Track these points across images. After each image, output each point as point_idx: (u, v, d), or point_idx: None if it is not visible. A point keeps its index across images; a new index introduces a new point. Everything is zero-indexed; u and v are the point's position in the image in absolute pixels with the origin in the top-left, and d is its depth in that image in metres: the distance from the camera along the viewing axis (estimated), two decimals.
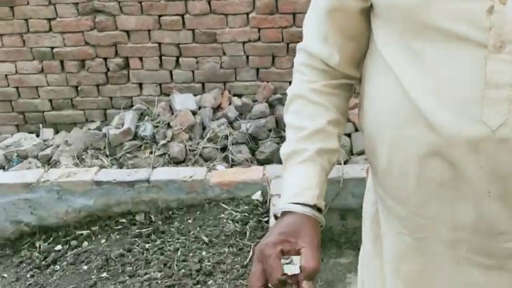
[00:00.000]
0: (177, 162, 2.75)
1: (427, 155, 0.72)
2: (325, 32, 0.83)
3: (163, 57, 3.16)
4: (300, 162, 0.82)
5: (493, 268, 0.78)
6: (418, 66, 0.71)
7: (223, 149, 2.83)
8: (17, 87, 3.26)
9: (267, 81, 3.13)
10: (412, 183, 0.77)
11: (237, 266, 2.00)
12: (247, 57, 3.13)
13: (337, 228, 2.41)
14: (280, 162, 3.00)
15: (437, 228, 0.78)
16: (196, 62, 3.14)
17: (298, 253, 0.75)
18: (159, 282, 1.95)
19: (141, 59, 3.17)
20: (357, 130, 2.97)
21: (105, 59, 3.19)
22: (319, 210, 0.80)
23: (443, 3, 0.67)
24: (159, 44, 3.13)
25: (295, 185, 0.81)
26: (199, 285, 1.91)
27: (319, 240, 0.77)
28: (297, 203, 0.79)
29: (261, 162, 2.75)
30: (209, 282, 1.93)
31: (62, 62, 3.19)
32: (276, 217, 0.81)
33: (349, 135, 2.96)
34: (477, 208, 0.72)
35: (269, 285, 0.74)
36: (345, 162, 2.72)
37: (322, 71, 0.86)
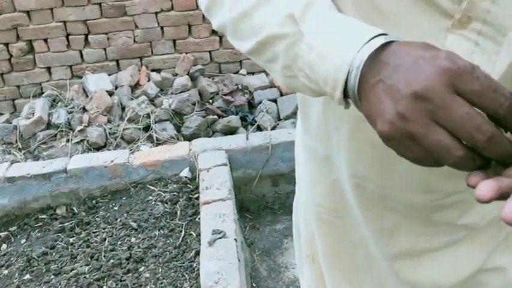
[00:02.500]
0: (98, 148, 2.59)
1: (359, 117, 0.66)
2: None
3: (70, 37, 2.94)
4: (330, 6, 0.55)
5: (416, 217, 0.75)
6: (374, 25, 0.56)
7: (146, 128, 2.69)
8: None
9: (186, 53, 2.99)
10: (344, 138, 0.72)
11: (169, 248, 1.91)
12: (162, 28, 2.97)
13: (270, 195, 2.37)
14: (207, 135, 2.83)
15: (364, 184, 0.75)
16: (108, 39, 2.95)
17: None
18: (87, 276, 1.83)
19: (46, 40, 2.93)
20: (282, 95, 2.91)
21: (7, 44, 2.92)
22: None
23: None
24: (64, 22, 2.91)
25: (352, 23, 0.52)
26: (130, 274, 1.80)
27: None
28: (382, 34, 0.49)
29: (188, 138, 2.64)
30: (140, 269, 1.83)
31: None
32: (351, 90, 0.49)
33: (275, 100, 2.90)
34: (408, 167, 0.68)
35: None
36: (273, 128, 2.67)
37: None
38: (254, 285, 1.99)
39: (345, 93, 0.50)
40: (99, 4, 2.87)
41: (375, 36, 0.48)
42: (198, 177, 2.18)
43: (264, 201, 2.37)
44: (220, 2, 0.63)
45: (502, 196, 0.42)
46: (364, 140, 0.68)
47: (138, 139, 2.63)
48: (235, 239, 1.78)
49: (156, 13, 2.92)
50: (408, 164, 0.49)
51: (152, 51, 3.00)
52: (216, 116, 2.75)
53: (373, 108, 0.46)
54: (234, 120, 2.73)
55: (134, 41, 2.97)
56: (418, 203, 0.72)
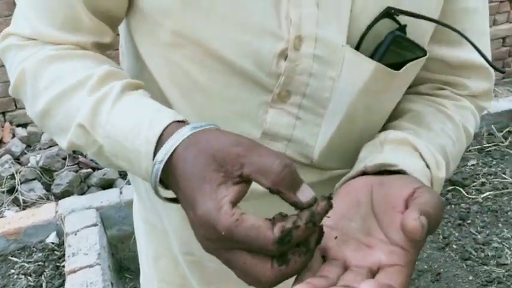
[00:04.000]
0: None
1: None
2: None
3: None
4: (116, 100, 0.52)
5: None
6: (192, 99, 0.59)
7: (11, 190, 2.46)
8: None
9: None
10: (175, 218, 0.70)
11: None
12: None
13: None
14: (81, 191, 2.61)
15: (202, 261, 0.73)
16: None
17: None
18: None
19: None
20: None
21: None
22: None
23: (229, 31, 0.53)
24: None
25: (142, 115, 0.50)
26: None
27: None
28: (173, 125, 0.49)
29: (59, 197, 2.45)
30: None
31: None
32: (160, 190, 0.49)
33: None
34: None
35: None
36: None
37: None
38: None
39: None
40: None
41: (161, 140, 0.47)
42: (66, 241, 2.02)
43: None
44: (23, 92, 0.60)
45: None
46: None
47: (2, 204, 2.39)
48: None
49: None
50: None
51: (16, 105, 2.79)
52: (90, 169, 2.59)
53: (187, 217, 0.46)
54: (110, 172, 2.59)
55: None
56: None
